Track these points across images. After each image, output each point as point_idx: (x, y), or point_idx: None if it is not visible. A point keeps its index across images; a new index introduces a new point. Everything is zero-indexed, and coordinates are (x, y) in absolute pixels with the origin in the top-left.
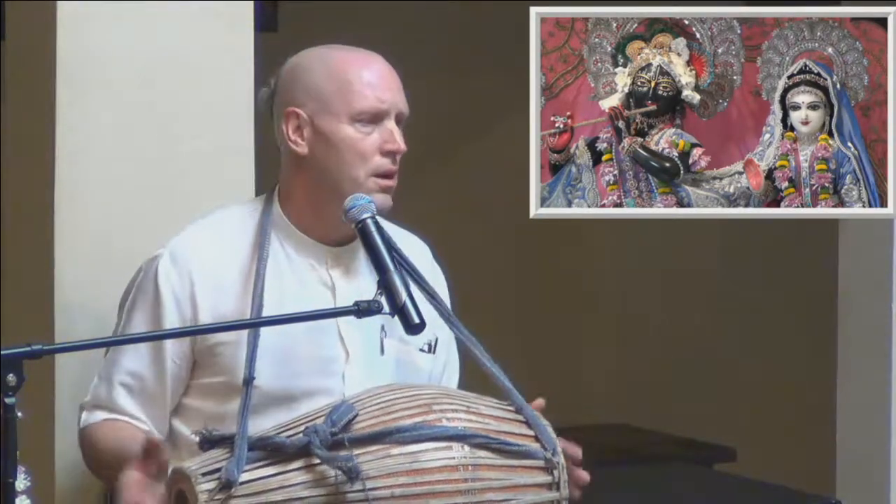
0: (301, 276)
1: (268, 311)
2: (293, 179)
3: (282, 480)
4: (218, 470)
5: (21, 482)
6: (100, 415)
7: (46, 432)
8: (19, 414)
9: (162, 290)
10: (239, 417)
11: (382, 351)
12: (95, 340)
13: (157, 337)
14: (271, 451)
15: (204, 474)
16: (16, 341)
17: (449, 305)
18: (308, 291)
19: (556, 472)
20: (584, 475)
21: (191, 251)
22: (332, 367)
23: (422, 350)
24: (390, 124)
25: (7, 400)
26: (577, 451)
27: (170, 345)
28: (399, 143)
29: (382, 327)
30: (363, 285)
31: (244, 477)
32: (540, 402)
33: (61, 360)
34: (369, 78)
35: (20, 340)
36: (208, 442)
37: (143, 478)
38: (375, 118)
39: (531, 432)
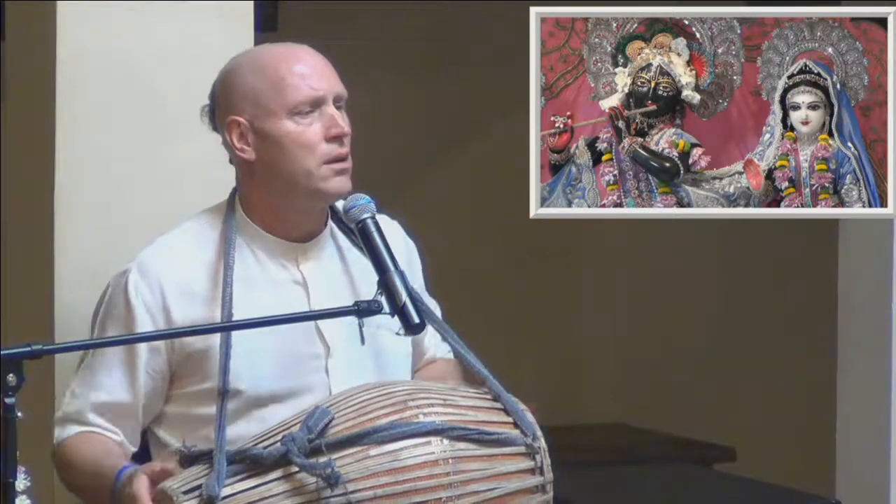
0: (272, 276)
1: (243, 315)
2: (249, 184)
3: (263, 492)
4: (199, 487)
5: (21, 482)
6: (72, 428)
7: (46, 432)
8: (19, 414)
9: (133, 304)
10: (215, 430)
11: (363, 341)
12: (95, 340)
13: (156, 337)
14: (250, 463)
15: (185, 492)
16: (16, 341)
17: (421, 278)
18: (280, 290)
19: (538, 457)
20: None
21: (159, 263)
22: (315, 363)
23: (398, 333)
24: (330, 109)
25: (7, 400)
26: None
27: (145, 357)
28: (342, 125)
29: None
30: (335, 278)
31: (225, 491)
32: (532, 406)
33: (61, 360)
34: (299, 69)
35: (20, 340)
36: (188, 458)
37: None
38: (313, 107)
39: (509, 419)
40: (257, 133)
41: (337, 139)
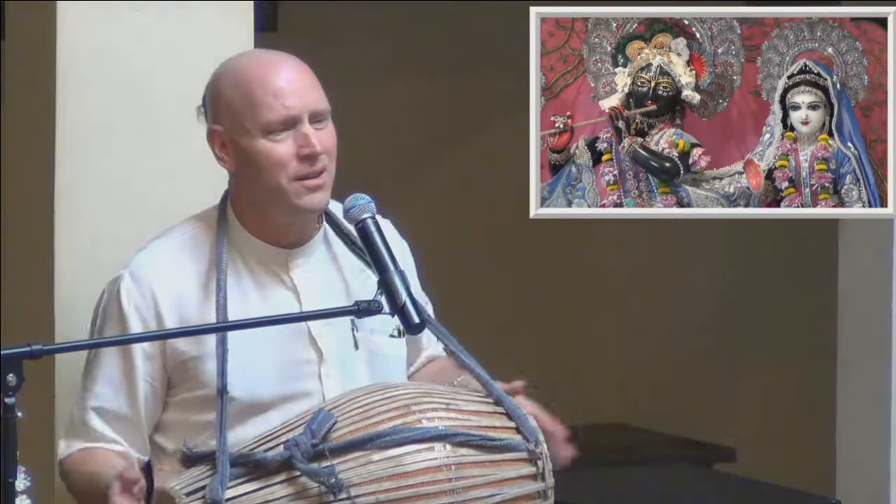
0: (262, 283)
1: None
2: (235, 191)
3: (265, 495)
4: (202, 489)
5: (21, 482)
6: (76, 444)
7: (46, 432)
8: (19, 414)
9: (126, 310)
10: (217, 433)
11: (356, 346)
12: (95, 340)
13: (154, 337)
14: (253, 466)
15: (188, 494)
16: (16, 341)
17: (416, 277)
18: (271, 296)
19: (539, 463)
20: (568, 452)
21: (151, 268)
22: (308, 369)
23: (392, 336)
24: (304, 128)
25: (7, 400)
26: (561, 431)
27: (141, 365)
28: (315, 146)
29: (352, 321)
30: (327, 283)
31: (228, 494)
32: (517, 384)
33: (61, 360)
34: (274, 86)
35: (20, 340)
36: (189, 460)
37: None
38: (286, 125)
39: (512, 424)
40: (235, 145)
41: (308, 157)
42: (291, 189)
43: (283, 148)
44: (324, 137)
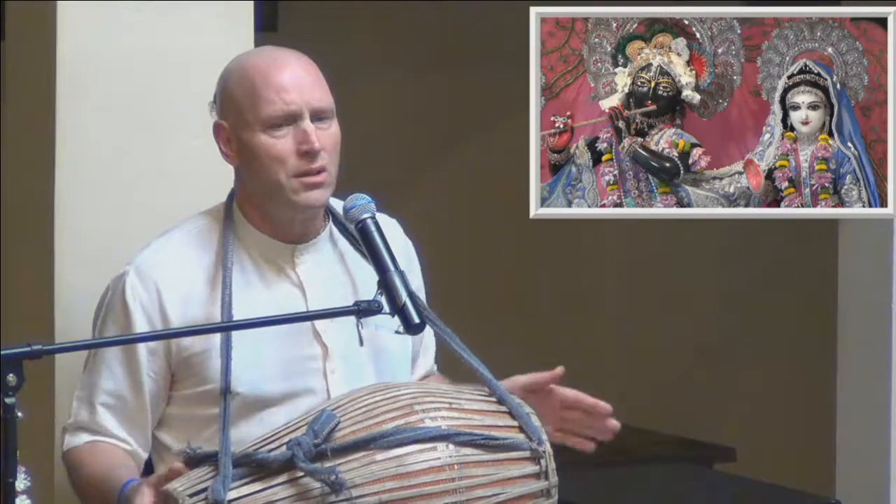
0: (268, 278)
1: (241, 317)
2: (240, 186)
3: (268, 495)
4: (205, 489)
5: (21, 482)
6: (82, 437)
7: (46, 432)
8: (19, 414)
9: (130, 306)
10: (220, 433)
11: (361, 342)
12: (95, 340)
13: (156, 337)
14: (256, 467)
15: (191, 495)
16: (16, 341)
17: (421, 278)
18: (277, 293)
19: (542, 462)
20: (615, 424)
21: (156, 265)
22: (313, 365)
23: (397, 332)
24: (304, 124)
25: (7, 400)
26: (605, 407)
27: (145, 361)
28: (314, 143)
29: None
30: (333, 280)
31: (231, 495)
32: (559, 370)
33: (61, 360)
34: (277, 82)
35: (20, 340)
36: (193, 460)
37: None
38: (287, 120)
39: (515, 423)
40: (238, 140)
41: (307, 154)
42: (290, 185)
43: (282, 144)
44: (325, 136)
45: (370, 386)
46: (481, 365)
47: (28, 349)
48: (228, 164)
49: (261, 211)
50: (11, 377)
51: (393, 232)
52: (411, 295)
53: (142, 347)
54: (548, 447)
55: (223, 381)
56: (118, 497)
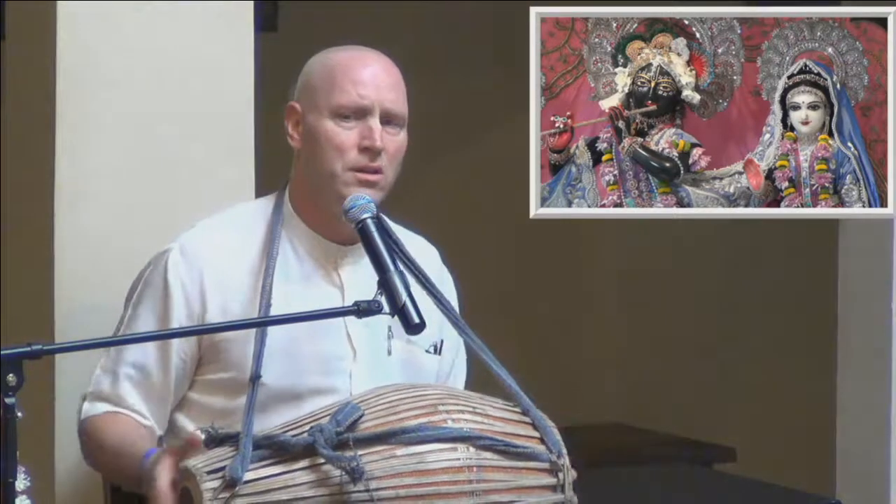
0: (309, 275)
1: (275, 311)
2: (297, 174)
3: (286, 480)
4: (222, 468)
5: (21, 482)
6: (102, 406)
7: (46, 432)
8: (19, 414)
9: (171, 284)
10: (244, 415)
11: (389, 352)
12: (95, 340)
13: (157, 337)
14: (276, 449)
15: (209, 472)
16: (16, 341)
17: (458, 311)
18: (316, 291)
19: (560, 475)
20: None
21: (202, 247)
22: (339, 365)
23: (427, 352)
24: (372, 121)
25: (7, 400)
26: None
27: (177, 340)
28: (376, 140)
29: (389, 328)
30: (372, 286)
31: (248, 475)
32: None
33: (61, 360)
34: (357, 75)
35: (20, 340)
36: (213, 440)
37: (176, 464)
38: (357, 114)
39: (537, 434)
40: (305, 123)
41: (367, 151)
42: (344, 177)
43: (346, 134)
44: (390, 140)
45: (396, 384)
46: (509, 377)
47: (28, 349)
48: (292, 145)
49: (312, 204)
50: (11, 377)
51: (429, 260)
52: (411, 295)
53: (175, 324)
54: (567, 461)
55: (254, 365)
56: (140, 468)
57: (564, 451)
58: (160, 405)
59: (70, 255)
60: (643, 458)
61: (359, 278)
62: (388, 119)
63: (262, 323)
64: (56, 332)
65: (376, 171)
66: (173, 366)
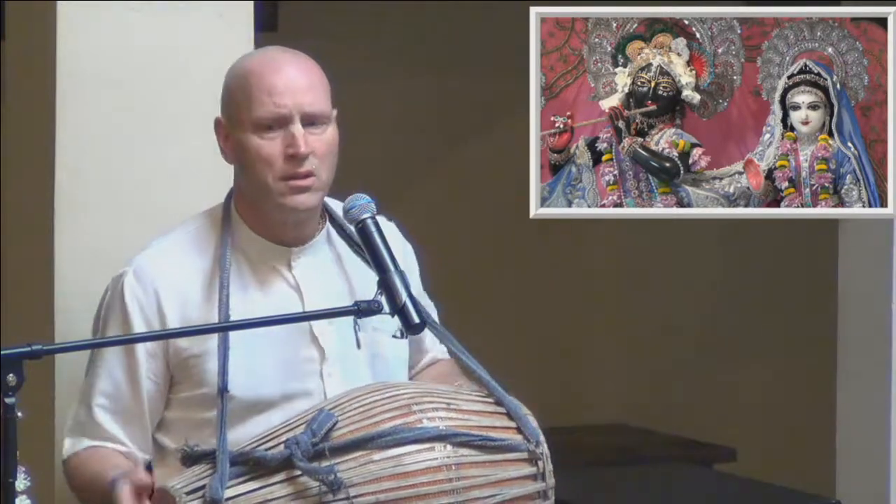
0: (265, 281)
1: (236, 319)
2: (237, 186)
3: (265, 494)
4: (202, 487)
5: (21, 482)
6: (81, 443)
7: (46, 432)
8: (19, 414)
9: (129, 307)
10: (217, 430)
11: (359, 345)
12: (95, 340)
13: (155, 337)
14: (253, 465)
15: (188, 493)
16: (16, 341)
17: (419, 281)
18: (273, 296)
19: (540, 463)
20: None
21: (154, 266)
22: (309, 367)
23: (395, 336)
24: (294, 128)
25: (7, 400)
26: None
27: (144, 362)
28: (300, 146)
29: (355, 321)
30: (330, 283)
31: (228, 493)
32: None
33: (61, 360)
34: (270, 84)
35: (20, 340)
36: (189, 458)
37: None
38: (278, 123)
39: (513, 424)
40: (232, 139)
41: (294, 158)
42: (277, 188)
43: (271, 146)
44: (317, 141)
45: (369, 385)
46: (479, 366)
47: (28, 349)
48: (227, 163)
49: (255, 212)
50: (11, 377)
51: (391, 234)
52: (411, 295)
53: (140, 349)
54: (545, 449)
55: (220, 380)
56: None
57: (542, 438)
58: (138, 429)
59: (70, 255)
60: (643, 458)
61: (313, 277)
62: (310, 121)
63: (262, 323)
64: (56, 332)
65: (307, 175)
66: (144, 388)
